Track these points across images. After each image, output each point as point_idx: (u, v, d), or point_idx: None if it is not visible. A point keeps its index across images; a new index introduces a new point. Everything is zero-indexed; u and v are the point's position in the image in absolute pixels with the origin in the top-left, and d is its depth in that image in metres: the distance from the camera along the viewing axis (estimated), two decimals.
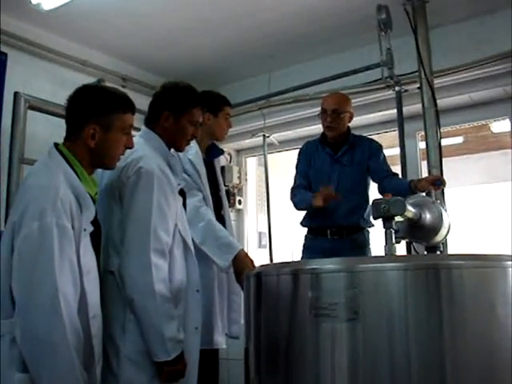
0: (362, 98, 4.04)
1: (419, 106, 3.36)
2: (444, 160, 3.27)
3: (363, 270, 1.61)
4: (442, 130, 3.32)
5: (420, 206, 2.44)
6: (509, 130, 4.23)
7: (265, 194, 4.75)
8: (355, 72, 3.88)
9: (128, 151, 2.15)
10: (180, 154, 2.87)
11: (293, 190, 3.44)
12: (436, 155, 3.23)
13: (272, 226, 4.68)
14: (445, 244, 2.94)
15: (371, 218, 3.05)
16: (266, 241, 4.95)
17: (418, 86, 3.36)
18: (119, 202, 2.21)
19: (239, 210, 5.18)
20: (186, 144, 2.52)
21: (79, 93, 2.08)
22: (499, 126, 5.26)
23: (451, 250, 3.24)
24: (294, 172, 3.53)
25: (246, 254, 2.79)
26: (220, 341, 2.86)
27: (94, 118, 2.01)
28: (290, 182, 3.51)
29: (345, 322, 1.57)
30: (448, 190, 3.20)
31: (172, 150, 2.49)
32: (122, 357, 2.09)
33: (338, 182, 3.28)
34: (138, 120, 2.26)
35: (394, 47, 3.49)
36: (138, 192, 2.17)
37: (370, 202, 2.13)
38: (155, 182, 2.18)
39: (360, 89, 4.01)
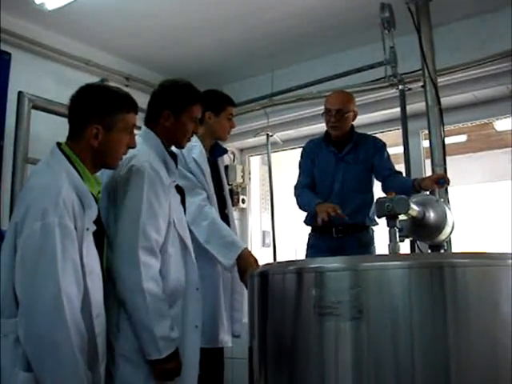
0: (366, 97, 4.03)
1: (423, 104, 3.36)
2: (448, 158, 3.27)
3: (367, 269, 1.61)
4: (445, 129, 3.31)
5: (424, 205, 2.44)
6: None
7: (268, 193, 4.76)
8: (359, 70, 3.88)
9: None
10: (184, 153, 2.89)
11: (297, 188, 3.43)
12: (440, 153, 3.23)
13: (276, 225, 4.68)
14: (449, 242, 2.94)
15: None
16: (269, 239, 4.95)
17: (422, 84, 3.36)
18: (114, 201, 2.22)
19: (243, 209, 5.18)
20: (186, 141, 2.52)
21: (82, 92, 2.08)
22: (503, 124, 5.25)
23: (455, 249, 3.23)
24: (297, 171, 3.52)
25: (250, 252, 2.80)
26: (226, 339, 2.87)
27: (97, 117, 2.01)
28: (293, 181, 3.51)
29: (349, 320, 1.57)
30: (452, 189, 3.19)
31: (173, 147, 2.50)
32: (117, 355, 2.09)
33: (342, 181, 3.28)
34: (141, 119, 2.26)
35: (397, 45, 3.49)
36: (128, 190, 2.17)
37: (375, 201, 2.13)
38: (146, 179, 2.18)
39: (363, 87, 4.01)
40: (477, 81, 3.73)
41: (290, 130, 4.73)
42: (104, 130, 2.01)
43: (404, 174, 3.43)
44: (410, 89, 3.72)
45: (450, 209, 2.68)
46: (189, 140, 2.54)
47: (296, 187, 3.44)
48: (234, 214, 3.37)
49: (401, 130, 3.74)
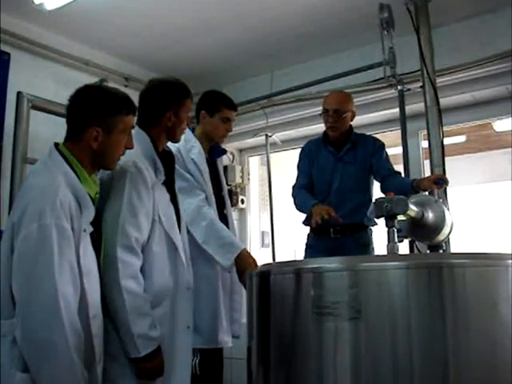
0: (365, 97, 4.04)
1: (422, 104, 3.36)
2: (446, 159, 3.28)
3: (366, 269, 1.61)
4: (444, 129, 3.32)
5: (422, 205, 2.44)
6: (511, 128, 4.23)
7: (267, 194, 4.76)
8: (357, 71, 3.88)
9: None
10: (183, 153, 2.89)
11: (294, 188, 3.44)
12: (438, 154, 3.23)
13: (275, 225, 4.68)
14: (447, 243, 2.94)
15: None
16: (268, 240, 4.96)
17: (421, 84, 3.37)
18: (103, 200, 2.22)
19: (242, 210, 5.19)
20: (181, 134, 2.53)
21: (81, 94, 2.08)
22: (502, 124, 5.25)
23: (454, 249, 3.24)
24: (296, 171, 3.52)
25: (249, 253, 2.80)
26: (225, 340, 2.87)
27: (96, 119, 2.01)
28: (292, 181, 3.51)
29: (347, 320, 1.57)
30: (450, 189, 3.19)
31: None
32: (105, 354, 2.06)
33: (340, 181, 3.28)
34: None
35: (396, 46, 3.50)
36: (111, 189, 2.17)
37: (374, 201, 2.13)
38: (127, 177, 2.17)
39: (362, 88, 4.01)
40: (476, 81, 3.73)
41: (290, 131, 4.73)
42: (104, 132, 2.01)
43: (403, 175, 3.43)
44: (408, 89, 3.72)
45: (448, 209, 2.68)
46: (183, 133, 2.55)
47: (294, 187, 3.45)
48: (233, 215, 3.36)
49: (400, 131, 3.74)
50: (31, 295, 1.75)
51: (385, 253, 2.02)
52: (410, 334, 1.53)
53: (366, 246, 3.28)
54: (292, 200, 3.41)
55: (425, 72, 3.26)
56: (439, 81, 3.42)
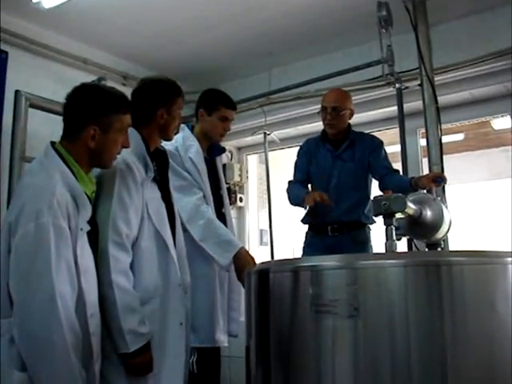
0: (363, 95, 4.04)
1: (420, 102, 3.36)
2: (445, 157, 3.28)
3: (364, 267, 1.61)
4: (442, 127, 3.32)
5: (421, 203, 2.44)
6: (509, 126, 4.24)
7: (266, 192, 4.76)
8: (356, 69, 3.87)
9: None
10: (181, 152, 2.90)
11: (290, 183, 3.44)
12: (437, 152, 3.23)
13: (273, 224, 4.68)
14: (446, 241, 2.95)
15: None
16: (267, 238, 4.95)
17: (419, 82, 3.36)
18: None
19: (240, 208, 5.19)
20: (174, 132, 2.53)
21: (78, 92, 2.07)
22: (500, 122, 5.27)
23: (452, 247, 3.24)
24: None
25: (247, 251, 2.80)
26: (222, 339, 2.87)
27: (94, 118, 2.01)
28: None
29: (346, 318, 1.57)
30: (449, 187, 3.20)
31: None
32: None
33: (338, 179, 3.28)
34: None
35: (394, 44, 3.49)
36: (101, 186, 2.18)
37: (372, 199, 2.13)
38: (117, 174, 2.18)
39: (360, 86, 4.01)
40: (474, 79, 3.73)
41: (288, 129, 4.73)
42: (101, 130, 2.02)
43: (401, 173, 3.43)
44: (407, 87, 3.72)
45: (446, 207, 2.68)
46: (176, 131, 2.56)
47: (289, 182, 3.45)
48: (232, 213, 3.36)
49: (398, 129, 3.74)
50: (29, 294, 1.76)
51: (383, 251, 2.02)
52: (408, 331, 1.53)
53: (363, 243, 3.28)
54: (287, 195, 3.41)
55: (423, 70, 3.26)
56: (437, 79, 3.42)
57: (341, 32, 3.97)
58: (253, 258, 2.74)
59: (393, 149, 4.12)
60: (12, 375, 1.77)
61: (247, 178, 5.26)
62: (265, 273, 1.86)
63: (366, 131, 3.68)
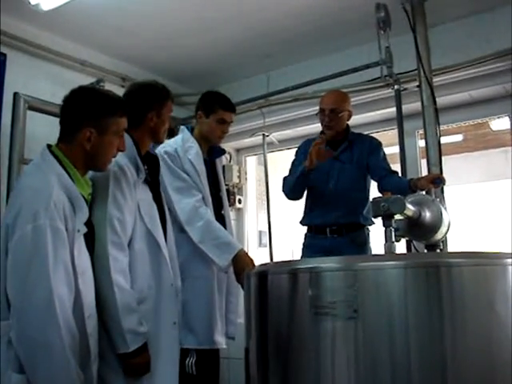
0: (361, 97, 4.03)
1: (418, 104, 3.36)
2: (444, 158, 3.27)
3: (363, 269, 1.61)
4: (441, 128, 3.31)
5: (420, 205, 2.45)
6: (508, 127, 4.23)
7: (265, 193, 4.75)
8: (354, 70, 3.87)
9: None
10: (180, 154, 2.90)
11: (284, 179, 3.41)
12: (435, 153, 3.23)
13: (272, 225, 4.67)
14: (445, 242, 2.94)
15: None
16: (266, 240, 4.95)
17: (418, 84, 3.36)
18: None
19: (239, 209, 5.18)
20: (165, 135, 2.54)
21: (75, 95, 2.09)
22: (499, 123, 5.26)
23: (451, 248, 3.24)
24: None
25: (246, 253, 2.80)
26: (220, 341, 2.87)
27: (90, 121, 2.02)
28: None
29: (345, 320, 1.57)
30: (448, 188, 3.19)
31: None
32: None
33: (337, 180, 3.28)
34: None
35: (392, 45, 3.49)
36: (96, 188, 2.19)
37: (371, 200, 2.13)
38: (111, 176, 2.20)
39: (359, 87, 4.00)
40: (472, 80, 3.73)
41: (287, 130, 4.73)
42: (97, 133, 2.03)
43: (400, 174, 3.43)
44: (405, 89, 3.73)
45: (445, 208, 2.69)
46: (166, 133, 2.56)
47: (284, 178, 3.41)
48: (231, 215, 3.36)
49: (396, 130, 3.74)
50: (26, 296, 1.76)
51: (382, 252, 2.02)
52: (408, 333, 1.53)
53: (362, 245, 3.27)
54: (282, 188, 3.38)
55: (421, 71, 3.26)
56: (436, 80, 3.42)
57: (339, 34, 3.97)
58: (252, 260, 2.75)
59: (391, 150, 4.13)
60: (10, 377, 1.76)
61: (246, 179, 5.25)
62: (264, 275, 1.86)
63: (365, 132, 3.67)
